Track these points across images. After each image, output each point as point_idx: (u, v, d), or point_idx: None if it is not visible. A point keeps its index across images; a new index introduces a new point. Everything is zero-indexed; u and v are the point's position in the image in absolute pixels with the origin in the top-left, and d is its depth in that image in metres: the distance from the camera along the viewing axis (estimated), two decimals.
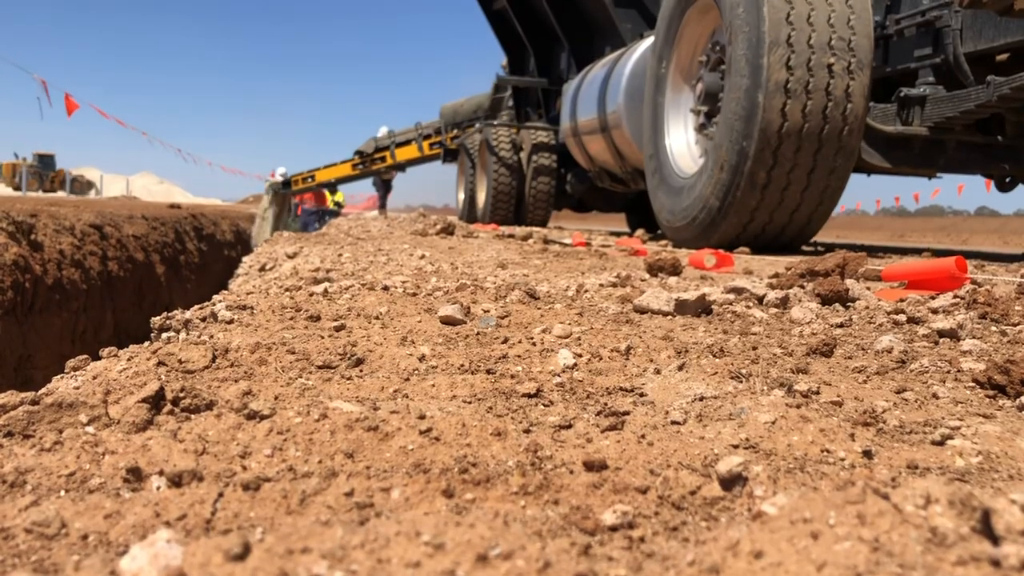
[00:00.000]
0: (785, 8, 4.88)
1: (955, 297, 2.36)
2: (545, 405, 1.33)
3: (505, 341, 1.79)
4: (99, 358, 1.68)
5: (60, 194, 37.25)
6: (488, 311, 2.17)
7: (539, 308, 2.27)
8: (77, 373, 1.58)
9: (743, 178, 5.10)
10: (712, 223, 5.48)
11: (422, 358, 1.63)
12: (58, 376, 1.60)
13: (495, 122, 13.52)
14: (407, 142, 18.95)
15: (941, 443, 1.11)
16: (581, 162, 10.73)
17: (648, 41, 8.00)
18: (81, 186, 44.87)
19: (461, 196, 15.12)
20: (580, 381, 1.48)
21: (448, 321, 2.02)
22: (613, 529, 0.85)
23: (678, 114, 6.65)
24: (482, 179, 13.34)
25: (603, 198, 12.54)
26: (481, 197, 13.32)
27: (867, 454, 1.06)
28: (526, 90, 14.47)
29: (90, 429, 1.13)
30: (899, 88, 5.33)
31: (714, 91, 5.92)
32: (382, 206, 24.78)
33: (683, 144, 6.55)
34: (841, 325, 2.09)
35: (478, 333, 1.91)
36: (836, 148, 5.00)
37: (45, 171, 43.95)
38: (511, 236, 7.00)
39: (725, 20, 5.36)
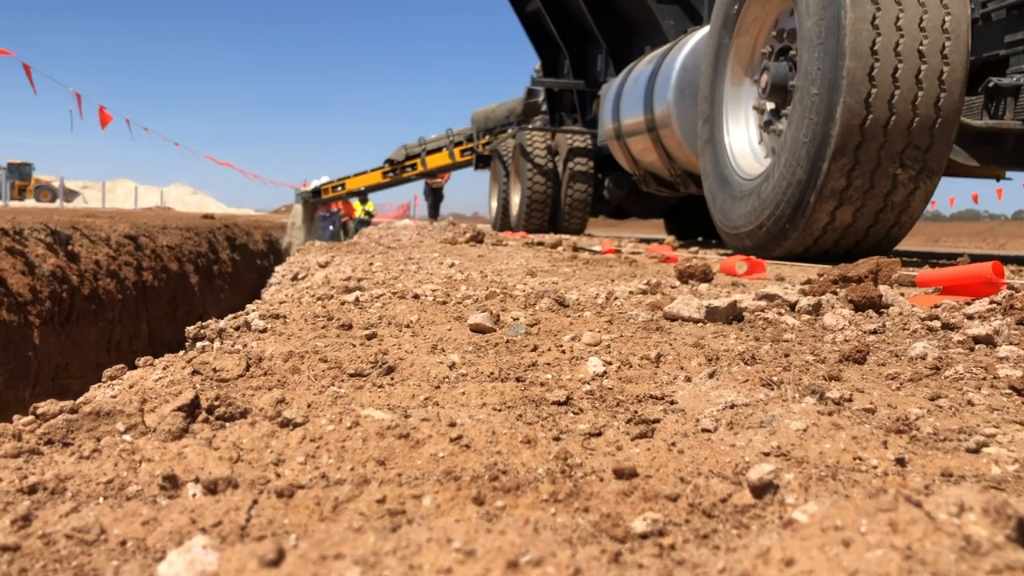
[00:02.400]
0: (868, 61, 4.28)
1: (991, 303, 2.32)
2: (575, 413, 1.34)
3: (535, 349, 1.80)
4: (135, 367, 1.71)
5: (30, 202, 35.90)
6: (517, 319, 2.17)
7: (568, 316, 2.27)
8: (114, 382, 1.60)
9: (810, 209, 4.69)
10: (774, 238, 5.07)
11: (452, 366, 1.63)
12: (95, 385, 1.63)
13: (530, 126, 13.15)
14: (438, 149, 18.87)
15: (976, 451, 1.10)
16: (624, 165, 10.21)
17: (700, 33, 7.55)
18: (53, 194, 43.07)
19: (494, 204, 14.81)
20: (610, 389, 1.48)
21: (478, 329, 2.03)
22: (643, 537, 0.85)
23: (738, 108, 6.05)
24: (516, 186, 13.06)
25: (642, 204, 12.03)
26: (515, 204, 13.01)
27: (900, 462, 1.05)
28: (560, 94, 14.15)
29: (127, 437, 1.15)
30: (988, 78, 4.84)
31: (782, 83, 5.33)
32: (433, 215, 24.89)
33: (744, 141, 5.99)
34: (874, 332, 2.07)
35: (508, 341, 1.91)
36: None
37: (10, 180, 43.15)
38: (540, 244, 7.00)
39: (800, 67, 4.80)
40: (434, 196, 25.02)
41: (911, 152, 4.45)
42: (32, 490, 0.95)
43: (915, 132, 4.41)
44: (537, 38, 14.59)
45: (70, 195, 46.32)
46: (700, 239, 11.17)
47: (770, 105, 5.58)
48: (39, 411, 1.22)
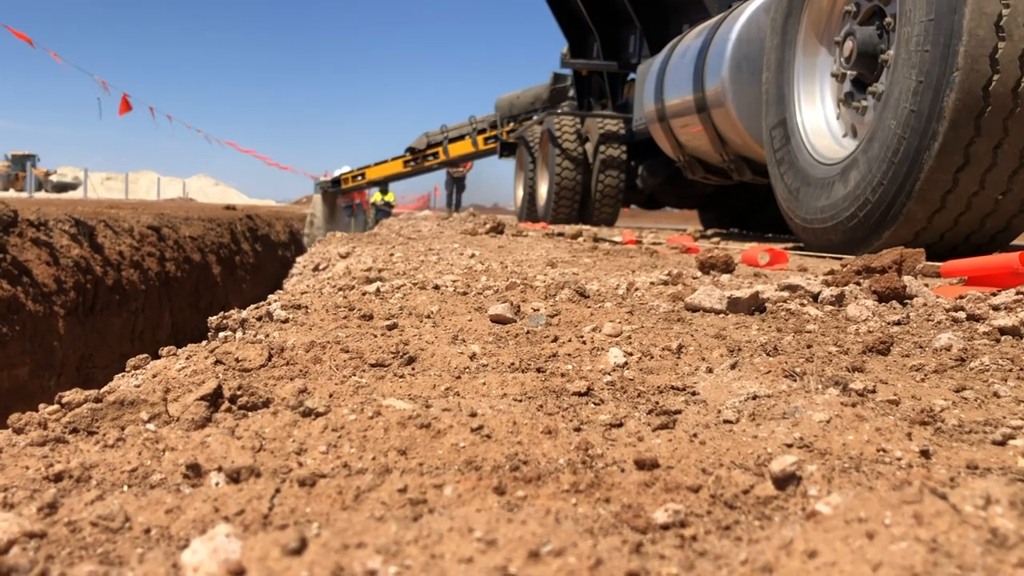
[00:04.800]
0: (984, 77, 3.51)
1: (1018, 293, 2.29)
2: (596, 404, 1.33)
3: (555, 340, 1.79)
4: (158, 357, 1.72)
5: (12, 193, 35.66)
6: (538, 310, 2.17)
7: (589, 306, 2.26)
8: (137, 372, 1.62)
9: (912, 199, 3.97)
10: (864, 234, 4.33)
11: (473, 356, 1.64)
12: (119, 375, 1.65)
13: (559, 110, 12.56)
14: (460, 137, 18.45)
15: (1002, 443, 1.09)
16: (667, 150, 9.20)
17: (759, 1, 6.73)
18: (38, 185, 43.09)
19: (520, 194, 14.31)
20: (631, 380, 1.48)
21: (498, 320, 2.03)
22: (665, 527, 0.85)
23: (812, 82, 5.24)
24: (543, 174, 12.54)
25: (677, 193, 11.20)
26: (542, 194, 12.49)
27: (925, 454, 1.04)
28: (589, 78, 13.54)
29: (151, 426, 1.16)
30: None
31: (871, 50, 4.50)
32: (454, 206, 24.52)
33: (820, 120, 5.16)
34: (898, 323, 2.05)
35: (528, 332, 1.91)
36: None
37: (13, 171, 43.33)
38: (561, 234, 6.99)
39: (902, 22, 3.99)
40: (456, 186, 24.74)
41: None
42: (58, 478, 0.96)
43: None
44: (564, 19, 13.88)
45: (65, 187, 46.37)
46: (736, 230, 10.74)
47: (853, 77, 4.80)
48: (64, 400, 1.24)
